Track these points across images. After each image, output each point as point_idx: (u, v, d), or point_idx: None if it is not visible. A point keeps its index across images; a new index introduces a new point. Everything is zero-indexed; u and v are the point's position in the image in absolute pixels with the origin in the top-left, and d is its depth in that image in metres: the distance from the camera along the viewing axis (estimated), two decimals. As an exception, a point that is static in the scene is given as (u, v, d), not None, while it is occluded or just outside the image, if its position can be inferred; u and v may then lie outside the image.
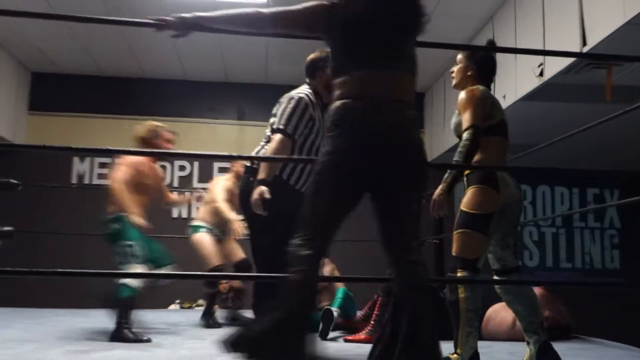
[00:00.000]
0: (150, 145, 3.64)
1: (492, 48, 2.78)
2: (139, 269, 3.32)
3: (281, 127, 2.68)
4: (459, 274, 2.31)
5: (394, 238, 1.70)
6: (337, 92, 1.76)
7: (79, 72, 6.70)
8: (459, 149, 2.31)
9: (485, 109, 2.40)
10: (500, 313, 3.51)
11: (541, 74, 4.24)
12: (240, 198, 2.86)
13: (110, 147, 2.38)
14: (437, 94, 6.77)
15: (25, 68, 6.60)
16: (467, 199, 2.37)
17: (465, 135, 2.32)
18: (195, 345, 3.10)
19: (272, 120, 2.79)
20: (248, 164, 2.86)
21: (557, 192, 7.36)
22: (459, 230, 2.35)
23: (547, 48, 4.13)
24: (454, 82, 2.60)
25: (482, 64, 2.54)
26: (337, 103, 1.73)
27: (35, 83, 6.72)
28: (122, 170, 3.46)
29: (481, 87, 2.46)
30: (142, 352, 2.74)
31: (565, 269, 7.22)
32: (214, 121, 6.96)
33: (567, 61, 3.94)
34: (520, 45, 4.52)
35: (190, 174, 6.87)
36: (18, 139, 6.36)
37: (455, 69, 2.59)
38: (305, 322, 1.60)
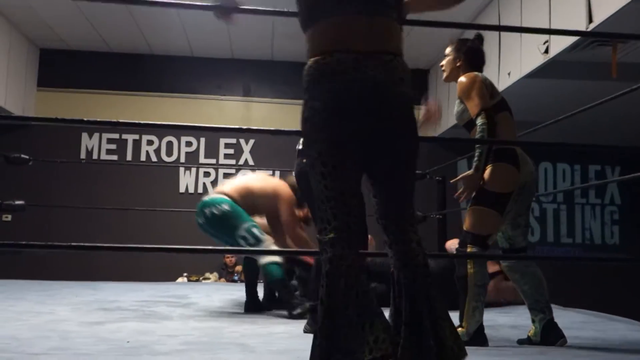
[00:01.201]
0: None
1: (498, 27, 2.77)
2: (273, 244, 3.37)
3: None
4: (468, 249, 2.33)
5: (388, 217, 1.55)
6: (308, 48, 1.54)
7: (87, 48, 6.72)
8: (479, 134, 2.31)
9: (488, 89, 2.42)
10: None
11: (546, 51, 4.24)
12: (298, 180, 2.91)
13: (120, 120, 2.42)
14: (441, 72, 6.76)
15: (34, 44, 6.63)
16: (486, 176, 2.35)
17: (479, 120, 2.32)
18: (204, 317, 3.18)
19: None
20: (300, 146, 2.88)
21: (559, 169, 7.41)
22: (475, 207, 2.35)
23: (553, 25, 4.12)
24: (444, 74, 2.62)
25: (470, 54, 2.55)
26: (310, 61, 1.50)
27: (44, 59, 6.76)
28: (295, 223, 3.48)
29: (475, 72, 2.48)
30: (154, 324, 2.82)
31: (566, 244, 7.31)
32: (220, 98, 6.99)
33: (573, 38, 3.93)
34: (525, 23, 4.50)
35: (197, 149, 6.92)
36: (27, 114, 6.43)
37: (444, 61, 2.62)
38: (353, 308, 1.40)
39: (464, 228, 2.39)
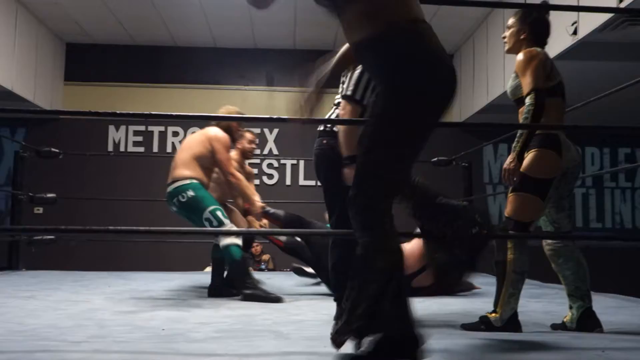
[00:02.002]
0: (228, 133, 3.70)
1: (524, 5, 2.69)
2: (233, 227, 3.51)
3: (349, 93, 2.69)
4: None
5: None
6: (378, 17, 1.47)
7: (112, 42, 6.80)
8: (524, 115, 2.25)
9: (546, 70, 2.32)
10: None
11: (575, 33, 4.16)
12: (316, 161, 2.92)
13: (153, 112, 2.44)
14: (466, 55, 6.68)
15: (60, 39, 6.72)
16: (528, 162, 2.31)
17: (528, 100, 2.24)
18: (234, 305, 3.21)
19: (340, 88, 2.81)
20: (321, 127, 2.88)
21: (587, 152, 7.29)
22: (517, 193, 2.31)
23: (582, 5, 4.04)
24: (507, 46, 2.49)
25: (536, 25, 2.42)
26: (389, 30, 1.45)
27: (70, 54, 6.87)
28: (231, 161, 3.61)
29: (539, 49, 2.37)
30: (186, 313, 2.86)
31: (596, 228, 7.21)
32: (243, 88, 7.02)
33: (602, 19, 3.85)
34: (552, 1, 4.42)
35: (222, 140, 6.97)
36: (55, 108, 6.56)
37: (507, 33, 2.48)
38: (398, 288, 1.44)
39: (506, 214, 2.36)
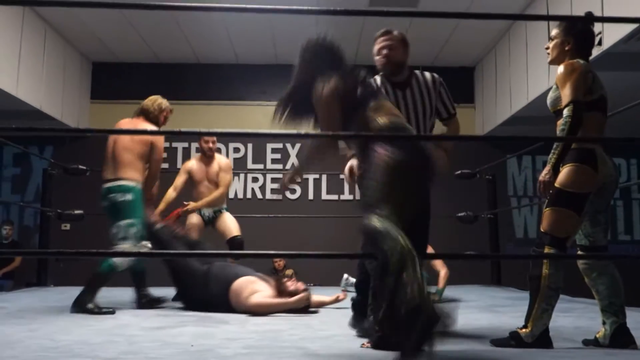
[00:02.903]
0: (156, 119, 4.04)
1: (547, 17, 2.67)
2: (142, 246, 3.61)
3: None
4: (546, 251, 2.28)
5: None
6: None
7: (136, 60, 6.92)
8: (560, 127, 2.23)
9: (587, 83, 2.29)
10: (246, 288, 3.57)
11: (599, 43, 4.13)
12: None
13: (178, 129, 2.47)
14: (488, 68, 6.65)
15: (86, 59, 6.86)
16: (563, 176, 2.28)
17: (565, 112, 2.22)
18: (259, 321, 3.22)
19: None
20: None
21: (614, 164, 7.18)
22: (553, 208, 2.29)
23: (606, 15, 4.01)
24: (550, 58, 2.46)
25: (581, 36, 2.39)
26: None
27: (96, 72, 7.00)
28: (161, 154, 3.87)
29: (581, 61, 2.34)
30: (213, 329, 2.87)
31: (624, 241, 7.07)
32: (265, 103, 7.07)
33: (628, 29, 3.82)
34: (577, 13, 4.39)
35: (245, 155, 7.01)
36: (81, 126, 6.68)
37: (550, 44, 2.46)
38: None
39: (542, 229, 2.33)
